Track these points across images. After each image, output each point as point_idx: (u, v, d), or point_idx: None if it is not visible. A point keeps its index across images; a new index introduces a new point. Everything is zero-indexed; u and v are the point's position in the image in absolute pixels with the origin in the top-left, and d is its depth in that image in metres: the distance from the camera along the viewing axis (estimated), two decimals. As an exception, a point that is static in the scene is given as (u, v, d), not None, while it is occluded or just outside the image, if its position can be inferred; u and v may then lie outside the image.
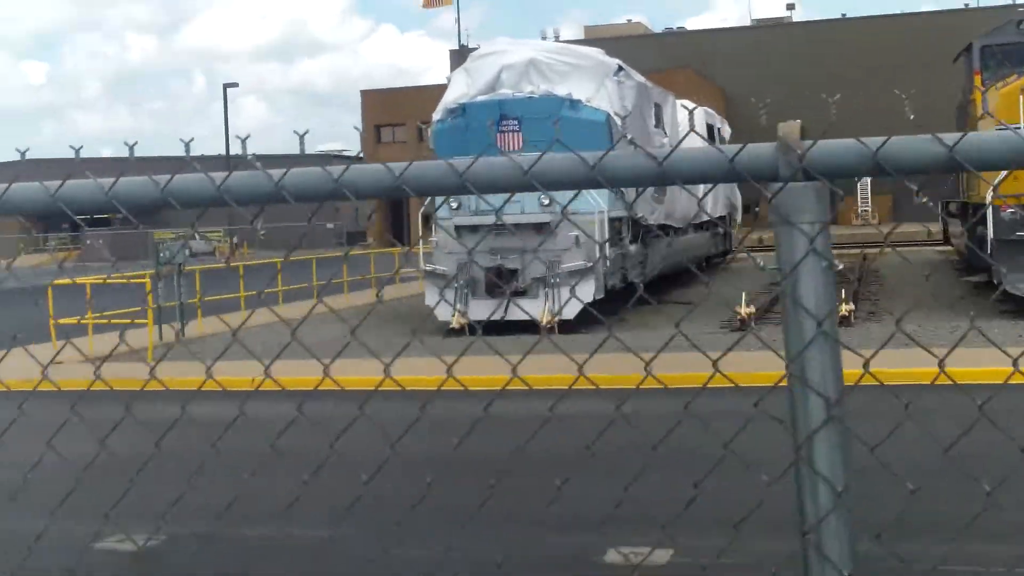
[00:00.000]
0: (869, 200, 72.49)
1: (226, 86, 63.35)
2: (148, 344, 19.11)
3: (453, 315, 21.00)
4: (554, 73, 21.48)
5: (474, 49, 69.25)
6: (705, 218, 31.60)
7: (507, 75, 21.45)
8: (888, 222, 70.74)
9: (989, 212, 19.03)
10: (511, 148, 20.89)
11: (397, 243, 68.28)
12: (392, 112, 74.69)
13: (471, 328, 20.72)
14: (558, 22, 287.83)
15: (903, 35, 72.46)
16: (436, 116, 22.05)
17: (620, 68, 22.31)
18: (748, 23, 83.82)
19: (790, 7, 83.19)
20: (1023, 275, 19.05)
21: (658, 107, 25.38)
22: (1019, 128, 2.12)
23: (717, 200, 33.32)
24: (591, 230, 20.78)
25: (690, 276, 30.95)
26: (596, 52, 22.50)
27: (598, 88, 21.59)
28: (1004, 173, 16.71)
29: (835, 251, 28.20)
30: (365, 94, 77.52)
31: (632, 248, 23.23)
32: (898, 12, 77.43)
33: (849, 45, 72.60)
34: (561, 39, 71.90)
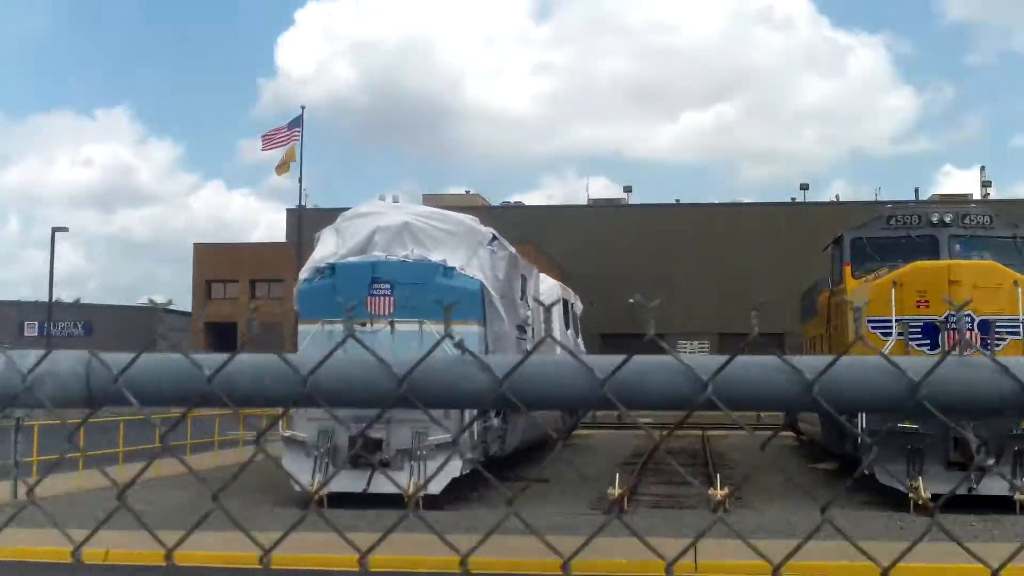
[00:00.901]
0: (697, 381, 73.69)
1: (55, 230, 60.99)
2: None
3: (311, 485, 19.73)
4: (428, 238, 20.95)
5: (312, 209, 68.83)
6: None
7: (380, 237, 20.80)
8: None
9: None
10: (382, 312, 20.14)
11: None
12: (224, 268, 73.07)
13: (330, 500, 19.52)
14: (391, 189, 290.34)
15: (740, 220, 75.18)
16: (303, 275, 21.15)
17: (494, 237, 21.96)
18: (585, 202, 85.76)
19: (627, 189, 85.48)
20: (893, 466, 19.07)
21: (523, 279, 25.07)
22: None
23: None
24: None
25: (542, 450, 30.31)
26: (470, 219, 22.11)
27: (471, 256, 21.14)
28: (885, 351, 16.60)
29: (677, 433, 28.35)
30: (198, 247, 75.75)
31: (495, 421, 22.50)
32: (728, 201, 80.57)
33: (680, 228, 74.81)
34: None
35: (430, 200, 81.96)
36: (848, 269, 21.43)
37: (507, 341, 22.19)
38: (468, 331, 20.42)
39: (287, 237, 76.83)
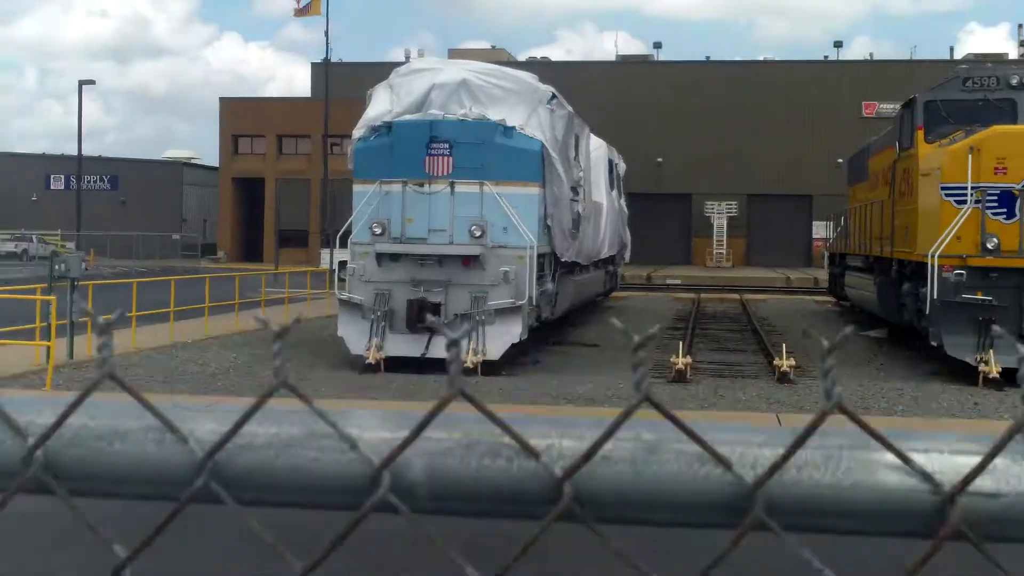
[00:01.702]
0: (724, 243, 73.22)
1: (81, 83, 59.97)
2: (48, 366, 16.99)
3: (368, 349, 19.45)
4: (486, 96, 20.21)
5: (337, 63, 67.46)
6: (604, 255, 30.78)
7: (437, 95, 20.06)
8: (742, 265, 71.68)
9: (935, 273, 18.56)
10: (441, 173, 19.58)
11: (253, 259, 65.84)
12: (250, 123, 72.16)
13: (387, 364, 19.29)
14: (409, 43, 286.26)
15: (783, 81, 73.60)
16: (357, 133, 20.48)
17: (553, 96, 21.21)
18: (614, 58, 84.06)
19: (657, 45, 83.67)
20: (962, 338, 18.65)
21: (577, 138, 24.36)
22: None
23: (613, 238, 32.55)
24: (521, 266, 19.58)
25: (584, 313, 30.02)
26: (529, 76, 21.33)
27: (531, 115, 20.42)
28: (948, 231, 16.05)
29: (712, 296, 27.79)
30: (224, 102, 74.72)
31: (550, 285, 22.09)
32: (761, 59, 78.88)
33: (712, 87, 73.34)
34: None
35: (456, 55, 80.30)
36: (921, 133, 20.66)
37: (563, 203, 21.67)
38: (528, 193, 19.89)
39: (312, 92, 75.66)
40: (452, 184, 19.38)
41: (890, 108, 57.93)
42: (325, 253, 55.94)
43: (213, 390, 17.15)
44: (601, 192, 29.38)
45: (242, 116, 72.35)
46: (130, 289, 22.45)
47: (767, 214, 73.71)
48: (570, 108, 22.51)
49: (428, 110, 20.04)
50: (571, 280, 25.17)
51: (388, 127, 19.98)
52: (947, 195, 19.04)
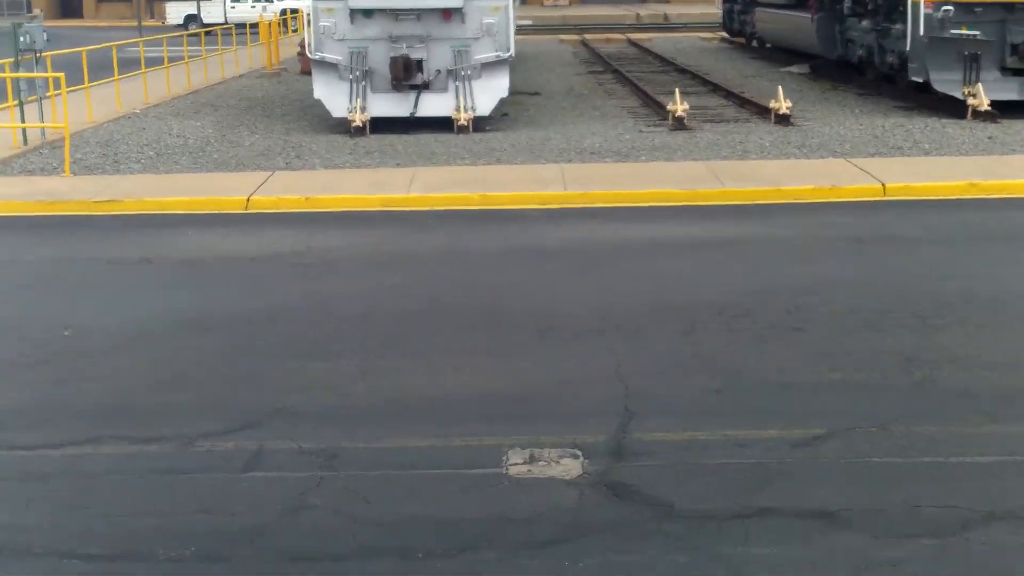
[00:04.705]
0: (560, -20, 71.75)
1: None
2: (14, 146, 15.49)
3: (350, 111, 18.42)
4: None
5: None
6: None
7: None
8: (577, 3, 70.67)
9: (920, 9, 18.52)
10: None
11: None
12: None
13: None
14: None
15: None
16: None
17: None
18: None
19: None
20: (948, 74, 18.83)
21: None
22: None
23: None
24: (501, 17, 18.65)
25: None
26: None
27: None
28: None
29: (597, 36, 27.08)
30: None
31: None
32: None
33: None
34: None
35: None
36: None
37: None
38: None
39: None
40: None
41: None
42: (171, 7, 52.52)
43: (224, 164, 16.09)
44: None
45: None
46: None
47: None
48: None
49: None
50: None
51: None
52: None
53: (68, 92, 17.80)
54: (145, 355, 8.46)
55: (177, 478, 6.37)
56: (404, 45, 18.42)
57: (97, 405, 7.51)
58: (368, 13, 18.41)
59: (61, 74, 16.23)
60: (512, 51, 18.71)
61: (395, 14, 18.40)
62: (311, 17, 18.59)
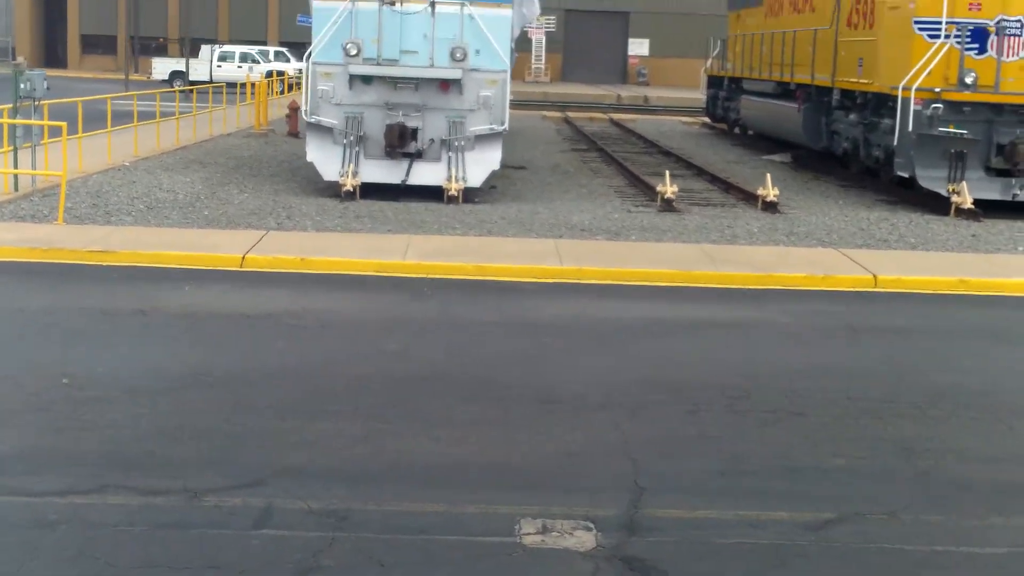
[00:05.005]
0: (543, 58, 72.77)
1: None
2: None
3: (342, 175, 18.50)
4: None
5: None
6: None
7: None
8: (558, 81, 71.62)
9: (911, 106, 18.87)
10: (419, -10, 18.40)
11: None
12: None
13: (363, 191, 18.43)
14: None
15: None
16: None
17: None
18: None
19: None
20: (934, 171, 19.15)
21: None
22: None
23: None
24: (497, 90, 18.87)
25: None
26: None
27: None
28: (923, 65, 16.34)
29: (580, 115, 27.52)
30: None
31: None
32: None
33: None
34: None
35: None
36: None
37: (524, 24, 20.93)
38: (501, 15, 19.00)
39: None
40: (433, 4, 18.28)
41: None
42: (158, 62, 52.68)
43: (215, 221, 16.07)
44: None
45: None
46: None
47: (583, 30, 73.53)
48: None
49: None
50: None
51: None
52: (920, 29, 19.23)
53: (61, 141, 17.84)
54: (145, 407, 8.40)
55: (186, 532, 6.30)
56: (400, 113, 18.59)
57: (100, 454, 7.44)
58: (367, 79, 18.57)
59: (63, 123, 16.25)
60: (507, 124, 18.93)
61: (394, 82, 18.58)
62: (309, 80, 18.72)
